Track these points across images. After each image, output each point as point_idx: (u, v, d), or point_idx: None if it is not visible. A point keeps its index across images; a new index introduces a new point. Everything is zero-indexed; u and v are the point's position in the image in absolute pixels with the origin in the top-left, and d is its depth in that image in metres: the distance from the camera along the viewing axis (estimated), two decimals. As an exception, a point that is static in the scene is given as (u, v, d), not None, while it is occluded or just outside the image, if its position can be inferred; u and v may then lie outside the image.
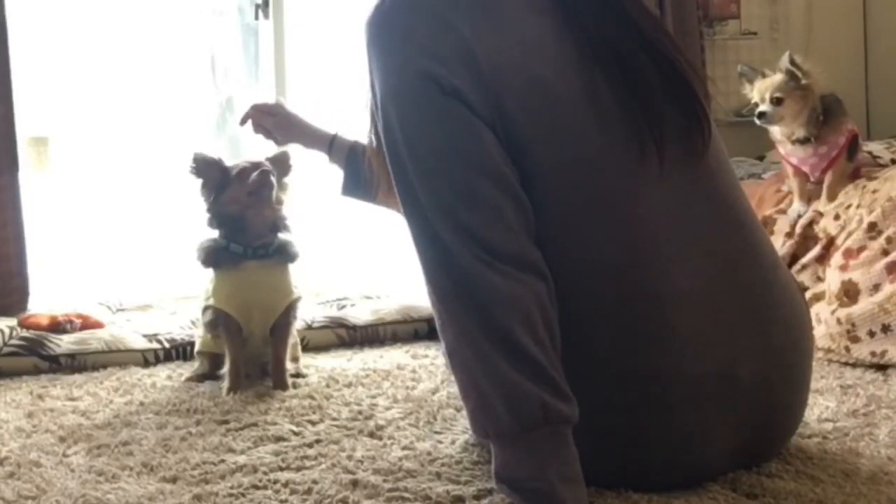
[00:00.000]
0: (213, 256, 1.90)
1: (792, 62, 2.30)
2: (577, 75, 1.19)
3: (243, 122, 1.94)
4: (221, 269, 1.90)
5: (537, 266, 1.13)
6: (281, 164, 1.94)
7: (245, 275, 1.88)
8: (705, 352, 1.18)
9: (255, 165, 1.88)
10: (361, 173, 1.70)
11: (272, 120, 1.85)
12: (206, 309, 1.92)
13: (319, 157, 1.89)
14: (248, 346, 1.91)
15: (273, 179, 1.87)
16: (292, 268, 1.95)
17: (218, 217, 1.90)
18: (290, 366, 1.95)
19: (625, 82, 1.20)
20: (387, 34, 1.20)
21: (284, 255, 1.91)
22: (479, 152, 1.14)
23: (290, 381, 1.88)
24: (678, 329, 1.17)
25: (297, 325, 2.28)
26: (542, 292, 1.12)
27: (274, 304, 1.90)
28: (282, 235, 1.93)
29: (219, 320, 1.88)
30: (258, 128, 1.94)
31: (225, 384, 1.84)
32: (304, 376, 1.97)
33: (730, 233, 1.24)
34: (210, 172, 1.89)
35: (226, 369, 1.87)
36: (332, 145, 1.84)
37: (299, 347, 2.10)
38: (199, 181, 1.89)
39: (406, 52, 1.17)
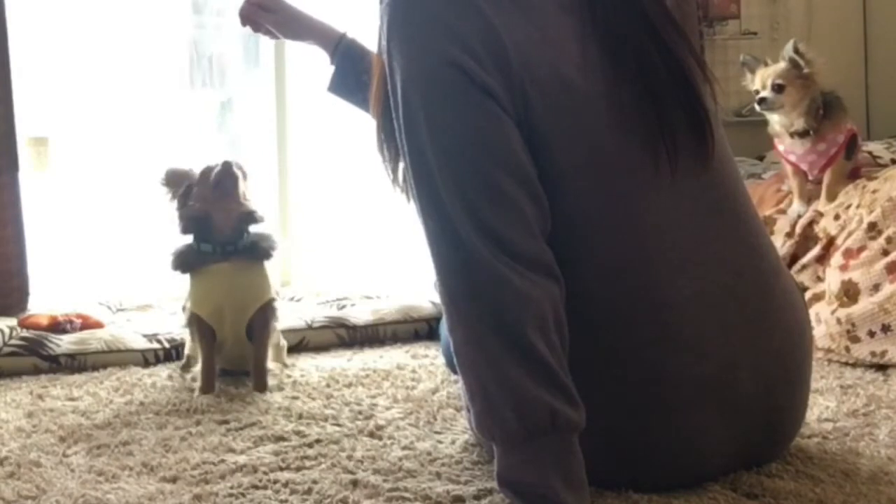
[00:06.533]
0: (184, 260, 1.87)
1: (796, 50, 2.30)
2: (602, 76, 1.17)
3: (243, 22, 1.80)
4: (194, 272, 1.87)
5: (551, 269, 1.12)
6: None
7: (217, 277, 1.84)
8: (705, 355, 1.18)
9: (220, 165, 1.87)
10: (357, 74, 1.64)
11: (272, 17, 1.70)
12: (183, 309, 1.93)
13: (320, 56, 1.77)
14: (225, 350, 1.88)
15: (237, 171, 1.85)
16: (271, 267, 1.90)
17: (186, 220, 1.88)
18: (273, 366, 1.93)
19: (641, 85, 1.18)
20: (411, 15, 1.15)
21: (256, 252, 1.86)
22: (506, 150, 1.12)
23: (269, 381, 1.84)
24: (679, 333, 1.17)
25: (297, 325, 2.28)
26: (555, 295, 1.11)
27: (245, 305, 1.85)
28: (254, 229, 1.88)
29: (192, 322, 1.87)
30: (256, 26, 1.81)
31: (197, 384, 1.83)
32: (281, 388, 1.85)
33: (736, 241, 1.24)
34: (180, 182, 1.90)
35: (198, 369, 1.87)
36: (339, 45, 1.75)
37: (285, 351, 2.06)
38: (171, 193, 1.92)
39: (433, 36, 1.13)
